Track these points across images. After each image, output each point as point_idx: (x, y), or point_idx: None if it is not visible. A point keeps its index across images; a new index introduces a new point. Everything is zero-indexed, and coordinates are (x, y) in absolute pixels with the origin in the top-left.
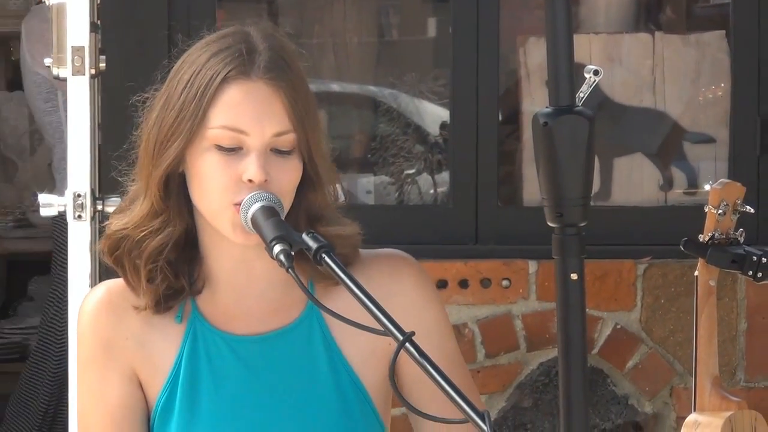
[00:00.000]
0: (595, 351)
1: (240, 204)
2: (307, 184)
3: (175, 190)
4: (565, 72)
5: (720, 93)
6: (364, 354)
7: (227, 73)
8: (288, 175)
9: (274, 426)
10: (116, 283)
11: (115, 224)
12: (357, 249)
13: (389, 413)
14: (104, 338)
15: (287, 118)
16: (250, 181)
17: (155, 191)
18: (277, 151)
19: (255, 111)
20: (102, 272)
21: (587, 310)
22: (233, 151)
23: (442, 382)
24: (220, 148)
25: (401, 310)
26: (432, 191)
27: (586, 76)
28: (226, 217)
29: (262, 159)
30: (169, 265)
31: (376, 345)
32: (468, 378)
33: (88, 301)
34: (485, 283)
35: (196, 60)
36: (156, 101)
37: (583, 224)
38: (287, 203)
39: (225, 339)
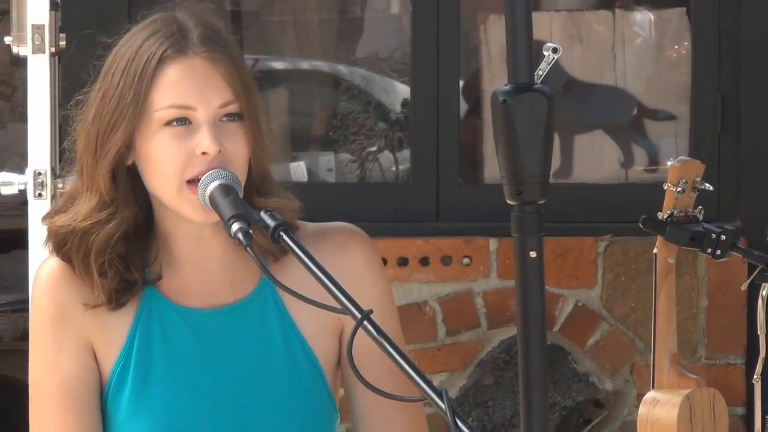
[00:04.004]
0: (556, 328)
1: (195, 180)
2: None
3: (122, 182)
4: (523, 50)
5: (681, 70)
6: (317, 327)
7: (163, 53)
8: (240, 145)
9: (228, 398)
10: None
11: (60, 221)
12: (294, 222)
13: (338, 388)
14: (61, 307)
15: (229, 89)
16: (203, 153)
17: (104, 183)
18: (226, 122)
19: (198, 86)
20: None
21: (548, 287)
22: (183, 125)
23: (401, 360)
24: (170, 125)
25: (348, 285)
26: (393, 169)
27: (545, 53)
28: (185, 199)
29: (213, 131)
30: (120, 258)
31: (327, 319)
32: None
33: (44, 270)
34: (446, 260)
35: (128, 49)
36: (92, 99)
37: (542, 202)
38: (243, 175)
39: (179, 312)
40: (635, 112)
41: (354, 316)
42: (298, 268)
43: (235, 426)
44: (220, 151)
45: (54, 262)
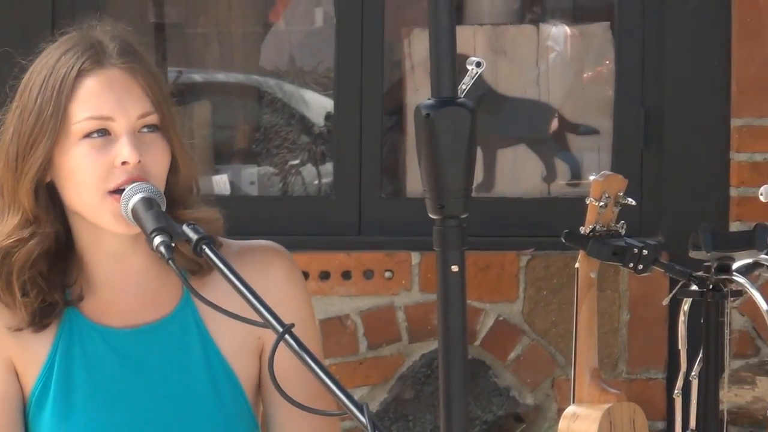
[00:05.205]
0: (477, 343)
1: (116, 191)
2: (169, 168)
3: (43, 199)
4: (447, 64)
5: (604, 85)
6: (237, 346)
7: (81, 66)
8: (160, 155)
9: (149, 417)
10: None
11: None
12: (218, 235)
13: (259, 406)
14: None
15: (148, 100)
16: (123, 164)
17: (27, 199)
18: (145, 133)
19: (116, 96)
20: None
21: (469, 301)
22: (102, 137)
23: (321, 374)
24: (89, 136)
25: (270, 302)
26: (316, 182)
27: (469, 67)
28: (106, 208)
29: (133, 140)
30: (41, 277)
31: (247, 338)
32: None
33: None
34: (368, 274)
35: (44, 66)
36: (8, 119)
37: (464, 216)
38: (162, 186)
39: (100, 331)
40: (558, 126)
41: (275, 330)
42: (220, 286)
43: None
44: (139, 161)
45: None
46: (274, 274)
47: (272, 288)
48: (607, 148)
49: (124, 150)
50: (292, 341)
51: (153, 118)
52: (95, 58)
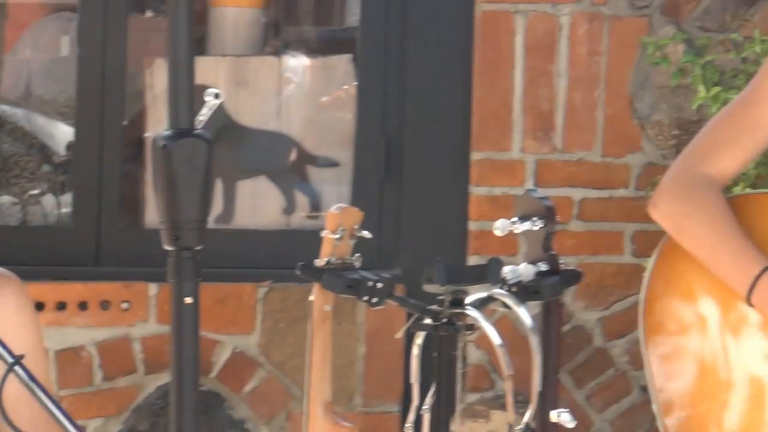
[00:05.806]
0: (213, 374)
1: None
2: None
3: None
4: (185, 95)
5: (346, 116)
6: None
7: None
8: None
9: None
10: None
11: None
12: None
13: None
14: None
15: None
16: None
17: None
18: None
19: None
20: None
21: (206, 333)
22: None
23: (51, 407)
24: None
25: (0, 330)
26: (56, 212)
27: (207, 99)
28: None
29: None
30: None
31: None
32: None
33: None
34: (104, 305)
35: None
36: None
37: (199, 247)
38: None
39: None
40: (299, 158)
41: (5, 361)
42: None
43: None
44: None
45: None
46: (3, 302)
47: (1, 317)
48: (348, 180)
49: None
50: (22, 372)
51: None
52: None
